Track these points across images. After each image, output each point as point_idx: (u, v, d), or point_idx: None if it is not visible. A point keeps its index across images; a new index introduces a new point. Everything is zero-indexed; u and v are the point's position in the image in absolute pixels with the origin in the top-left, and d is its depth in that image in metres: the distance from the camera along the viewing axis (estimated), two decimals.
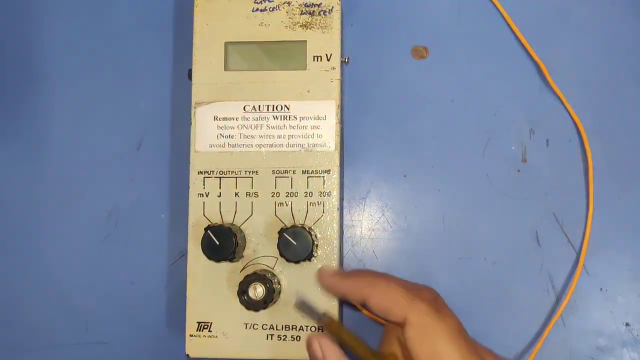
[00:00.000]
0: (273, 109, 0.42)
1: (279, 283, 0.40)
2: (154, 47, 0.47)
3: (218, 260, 0.40)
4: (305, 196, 0.41)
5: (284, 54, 0.42)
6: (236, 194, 0.41)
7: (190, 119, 0.42)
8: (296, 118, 0.42)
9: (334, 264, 0.40)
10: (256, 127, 0.42)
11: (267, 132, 0.42)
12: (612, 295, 0.43)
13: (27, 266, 0.47)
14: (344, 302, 0.42)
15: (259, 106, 0.42)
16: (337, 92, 0.41)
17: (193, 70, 0.42)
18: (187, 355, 0.41)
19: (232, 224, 0.41)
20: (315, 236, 0.40)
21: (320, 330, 0.39)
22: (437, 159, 0.45)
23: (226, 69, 0.42)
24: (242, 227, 0.41)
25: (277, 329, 0.40)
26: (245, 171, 0.42)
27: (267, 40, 0.42)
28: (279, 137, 0.42)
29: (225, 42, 0.42)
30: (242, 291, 0.39)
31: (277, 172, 0.41)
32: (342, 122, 0.42)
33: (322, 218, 0.41)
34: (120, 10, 0.48)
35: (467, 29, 0.46)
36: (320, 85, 0.41)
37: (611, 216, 0.44)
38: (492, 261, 0.44)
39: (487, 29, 0.46)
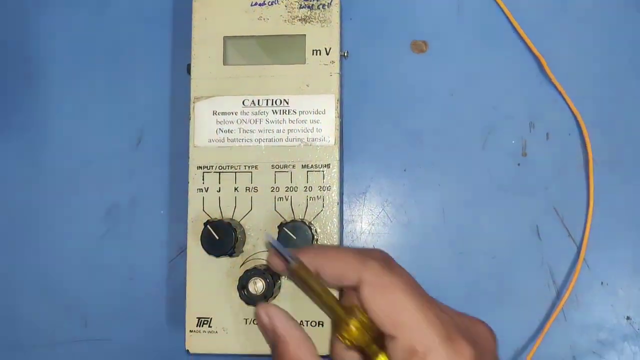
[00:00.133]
0: (272, 104, 0.42)
1: (279, 278, 0.40)
2: (153, 42, 0.47)
3: (218, 255, 0.39)
4: (305, 191, 0.41)
5: (283, 48, 0.42)
6: (235, 189, 0.41)
7: (189, 114, 0.42)
8: (295, 112, 0.41)
9: None
10: (255, 121, 0.42)
11: (266, 127, 0.41)
12: (613, 289, 0.43)
13: (26, 263, 0.46)
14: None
15: (258, 100, 0.42)
16: (336, 86, 0.41)
17: (192, 65, 0.42)
18: (187, 351, 0.41)
19: (231, 219, 0.41)
20: (315, 231, 0.40)
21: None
22: (437, 153, 0.45)
23: (225, 63, 0.42)
24: (241, 222, 0.41)
25: None
26: (245, 166, 0.41)
27: (266, 35, 0.42)
28: (278, 131, 0.41)
29: (224, 37, 0.42)
30: (242, 286, 0.38)
31: (277, 166, 0.41)
32: (341, 116, 0.42)
33: (322, 212, 0.41)
34: (119, 4, 0.47)
35: (466, 23, 0.46)
36: (319, 79, 0.41)
37: (612, 210, 0.44)
38: (493, 255, 0.44)
39: (487, 22, 0.45)
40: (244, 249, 0.41)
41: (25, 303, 0.46)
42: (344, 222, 0.44)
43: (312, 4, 0.42)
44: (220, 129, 0.42)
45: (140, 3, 0.47)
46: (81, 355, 0.46)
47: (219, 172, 0.41)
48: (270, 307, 0.34)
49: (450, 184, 0.45)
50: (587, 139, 0.44)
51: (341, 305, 0.33)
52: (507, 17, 0.45)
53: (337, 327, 0.32)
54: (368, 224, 0.45)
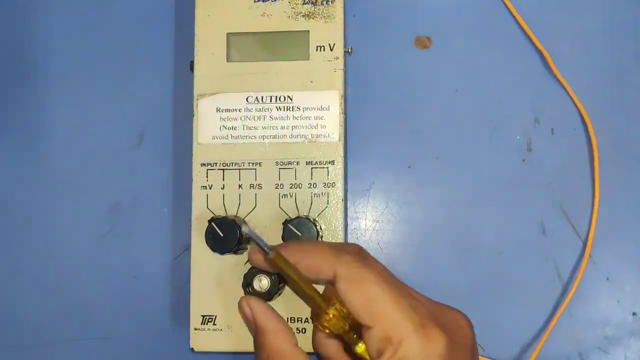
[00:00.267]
0: (276, 100, 0.41)
1: None
2: (155, 39, 0.47)
3: (222, 253, 0.39)
4: (309, 187, 0.41)
5: (287, 45, 0.42)
6: (240, 186, 0.41)
7: (192, 111, 0.42)
8: (299, 109, 0.41)
9: None
10: (259, 118, 0.41)
11: (270, 123, 0.41)
12: (619, 284, 0.43)
13: (28, 262, 0.46)
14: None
15: (262, 97, 0.41)
16: (340, 82, 0.41)
17: (195, 62, 0.42)
18: (192, 349, 0.41)
19: (236, 216, 0.41)
20: (320, 227, 0.40)
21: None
22: (442, 149, 0.45)
23: (228, 60, 0.42)
24: (246, 219, 0.41)
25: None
26: (249, 163, 0.41)
27: (269, 31, 0.42)
28: (282, 128, 0.41)
29: (227, 33, 0.42)
30: (247, 283, 0.38)
31: (281, 163, 0.41)
32: (345, 113, 0.42)
33: (326, 209, 0.41)
34: (121, 1, 0.47)
35: (470, 18, 0.45)
36: (323, 76, 0.41)
37: (617, 205, 0.43)
38: (498, 251, 0.44)
39: (491, 18, 0.45)
40: (248, 246, 0.41)
41: (27, 302, 0.46)
42: (348, 219, 0.44)
43: (316, 0, 0.42)
44: (223, 125, 0.42)
45: (143, 0, 0.47)
46: (84, 354, 0.45)
47: (223, 169, 0.41)
48: (252, 299, 0.35)
49: (454, 180, 0.44)
50: (592, 134, 0.44)
51: (320, 295, 0.33)
52: (511, 13, 0.45)
53: (317, 316, 0.33)
54: (372, 220, 0.45)
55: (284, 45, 0.42)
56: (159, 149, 0.46)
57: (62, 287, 0.46)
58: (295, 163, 0.41)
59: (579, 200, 0.44)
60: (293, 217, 0.40)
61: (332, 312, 0.32)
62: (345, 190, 0.42)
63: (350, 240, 0.44)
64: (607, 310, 0.43)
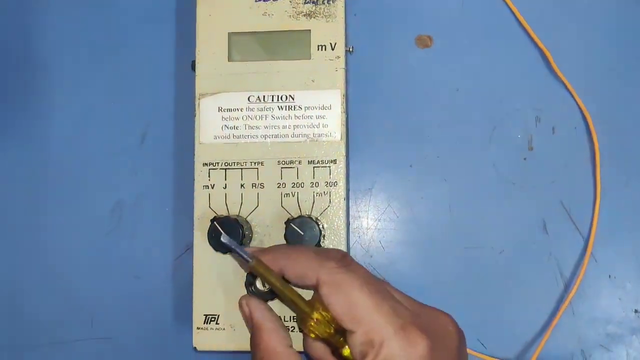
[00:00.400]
0: (278, 99, 0.41)
1: None
2: (157, 39, 0.47)
3: (225, 252, 0.39)
4: (312, 186, 0.41)
5: (288, 44, 0.42)
6: (242, 186, 0.41)
7: (194, 111, 0.42)
8: (301, 108, 0.41)
9: None
10: (261, 117, 0.41)
11: (272, 123, 0.41)
12: (621, 282, 0.43)
13: (31, 261, 0.46)
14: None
15: (264, 96, 0.42)
16: (342, 81, 0.41)
17: (196, 61, 0.42)
18: (195, 348, 0.41)
19: (238, 215, 0.41)
20: (323, 226, 0.40)
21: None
22: (443, 148, 0.45)
23: (230, 59, 0.42)
24: (248, 219, 0.41)
25: (284, 320, 0.40)
26: (251, 162, 0.41)
27: (270, 30, 0.42)
28: (284, 127, 0.41)
29: (229, 33, 0.42)
30: (250, 283, 0.38)
31: (283, 162, 0.41)
32: (347, 112, 0.42)
33: (328, 208, 0.41)
34: (122, 1, 0.47)
35: (471, 17, 0.45)
36: (325, 75, 0.41)
37: (619, 203, 0.44)
38: (500, 250, 0.44)
39: (492, 16, 0.45)
40: (250, 245, 0.41)
41: (30, 302, 0.46)
42: (350, 218, 0.44)
43: None
44: (225, 125, 0.42)
45: (144, 0, 0.47)
46: (87, 354, 0.45)
47: (225, 169, 0.41)
48: (251, 298, 0.36)
49: (456, 179, 0.45)
50: (594, 133, 0.44)
51: (304, 300, 0.34)
52: (512, 11, 0.45)
53: (302, 321, 0.34)
54: (374, 219, 0.45)
55: (285, 44, 0.42)
56: (161, 149, 0.46)
57: (64, 287, 0.46)
58: (297, 162, 0.41)
59: (580, 198, 0.44)
60: (295, 216, 0.40)
61: (316, 316, 0.33)
62: (347, 189, 0.42)
63: (352, 239, 0.45)
64: (609, 308, 0.43)
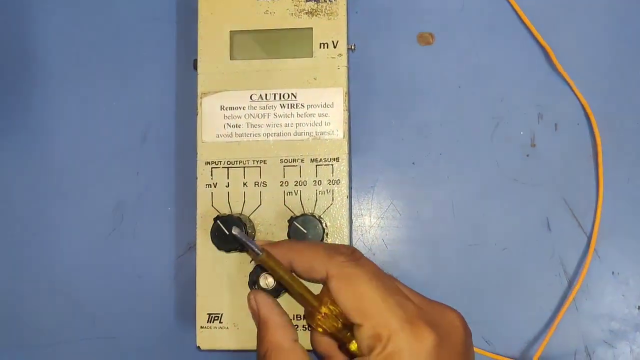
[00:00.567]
0: (280, 98, 0.41)
1: None
2: (158, 38, 0.47)
3: (228, 251, 0.39)
4: (314, 185, 0.41)
5: (290, 42, 0.42)
6: (244, 184, 0.41)
7: (196, 110, 0.42)
8: (303, 106, 0.41)
9: None
10: (263, 116, 0.41)
11: (274, 121, 0.41)
12: (624, 278, 0.43)
13: (33, 262, 0.46)
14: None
15: (266, 95, 0.41)
16: (344, 79, 0.41)
17: (198, 60, 0.42)
18: (198, 347, 0.41)
19: (241, 214, 0.41)
20: (326, 225, 0.40)
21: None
22: (446, 145, 0.45)
23: (232, 58, 0.42)
24: (251, 217, 0.41)
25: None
26: (253, 161, 0.41)
27: (272, 28, 0.42)
28: (286, 125, 0.41)
29: (231, 31, 0.42)
30: (253, 281, 0.38)
31: (285, 161, 0.41)
32: (349, 110, 0.42)
33: (331, 206, 0.40)
34: (124, 0, 0.47)
35: (473, 14, 0.45)
36: (327, 73, 0.41)
37: (621, 199, 0.43)
38: (503, 247, 0.44)
39: (493, 13, 0.45)
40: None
41: (32, 302, 0.46)
42: (352, 216, 0.44)
43: None
44: (227, 124, 0.41)
45: None
46: (90, 354, 0.45)
47: (227, 168, 0.41)
48: (259, 293, 0.36)
49: (459, 177, 0.45)
50: (596, 129, 0.44)
51: (312, 294, 0.34)
52: (514, 8, 0.45)
53: (310, 315, 0.34)
54: (377, 217, 0.45)
55: (287, 42, 0.42)
56: (163, 148, 0.46)
57: (67, 287, 0.46)
58: (299, 160, 0.41)
59: (583, 195, 0.44)
60: (298, 214, 0.40)
61: (324, 310, 0.33)
62: (350, 187, 0.42)
63: (355, 237, 0.44)
64: (613, 305, 0.43)
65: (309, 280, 0.35)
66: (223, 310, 0.40)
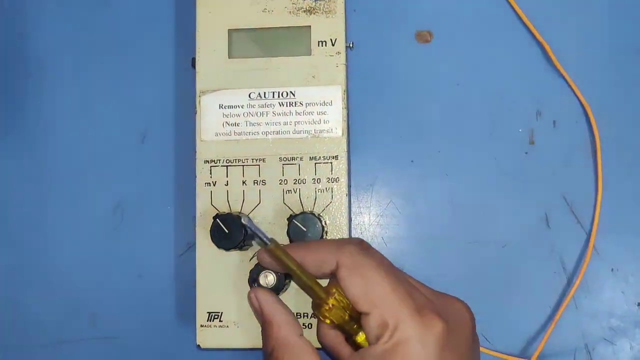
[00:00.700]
0: (278, 96, 0.41)
1: None
2: (156, 37, 0.47)
3: (227, 249, 0.39)
4: (314, 183, 0.41)
5: (288, 40, 0.42)
6: (243, 182, 0.41)
7: (195, 108, 0.42)
8: (302, 104, 0.41)
9: None
10: (262, 114, 0.41)
11: (273, 119, 0.41)
12: (624, 275, 0.43)
13: (33, 261, 0.46)
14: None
15: (265, 93, 0.41)
16: (342, 77, 0.41)
17: (197, 58, 0.42)
18: (198, 346, 0.41)
19: (240, 212, 0.41)
20: (325, 222, 0.40)
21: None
22: (444, 143, 0.45)
23: (230, 56, 0.42)
24: (250, 216, 0.41)
25: None
26: (252, 159, 0.41)
27: (270, 27, 0.42)
28: (285, 123, 0.41)
29: (229, 30, 0.42)
30: (253, 279, 0.38)
31: (284, 159, 0.41)
32: (348, 108, 0.42)
33: (331, 204, 0.40)
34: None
35: (470, 12, 0.45)
36: (325, 71, 0.41)
37: (621, 196, 0.44)
38: (502, 244, 0.44)
39: (491, 11, 0.45)
40: (253, 242, 0.40)
41: (32, 301, 0.46)
42: (351, 214, 0.44)
43: None
44: (226, 122, 0.42)
45: None
46: (90, 353, 0.45)
47: (227, 166, 0.41)
48: (260, 290, 0.36)
49: (458, 174, 0.45)
50: (595, 126, 0.44)
51: (320, 285, 0.34)
52: (511, 5, 0.45)
53: (317, 306, 0.34)
54: (376, 215, 0.45)
55: (285, 40, 0.42)
56: (162, 147, 0.46)
57: (67, 287, 0.46)
58: (298, 158, 0.41)
59: (582, 191, 0.44)
60: (297, 212, 0.40)
61: (331, 301, 0.33)
62: (349, 185, 0.42)
63: (354, 235, 0.45)
64: (612, 302, 0.43)
65: (319, 277, 0.35)
66: (223, 309, 0.40)
